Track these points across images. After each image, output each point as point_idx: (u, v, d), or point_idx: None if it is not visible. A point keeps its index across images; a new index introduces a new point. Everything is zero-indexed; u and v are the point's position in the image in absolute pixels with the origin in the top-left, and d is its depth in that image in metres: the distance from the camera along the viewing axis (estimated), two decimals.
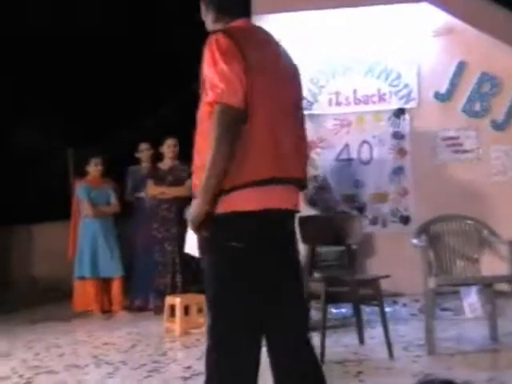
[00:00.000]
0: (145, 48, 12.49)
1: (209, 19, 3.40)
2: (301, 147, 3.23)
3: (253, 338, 3.03)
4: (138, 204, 8.47)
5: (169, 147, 8.08)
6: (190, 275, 7.58)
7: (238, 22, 3.26)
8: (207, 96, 3.05)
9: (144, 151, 8.58)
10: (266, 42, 3.26)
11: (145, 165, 8.58)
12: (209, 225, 3.02)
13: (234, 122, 3.01)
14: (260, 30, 3.34)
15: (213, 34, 3.14)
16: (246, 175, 3.03)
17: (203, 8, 3.42)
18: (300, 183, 3.23)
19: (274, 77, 3.15)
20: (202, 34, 3.44)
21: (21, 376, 5.30)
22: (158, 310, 7.51)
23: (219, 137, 2.97)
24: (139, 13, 12.40)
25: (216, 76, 3.02)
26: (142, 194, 8.33)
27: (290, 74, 3.26)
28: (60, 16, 12.42)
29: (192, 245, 5.87)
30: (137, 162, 8.69)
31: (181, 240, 7.01)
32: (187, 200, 6.71)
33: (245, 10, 3.37)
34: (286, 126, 3.16)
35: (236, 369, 3.00)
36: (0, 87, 11.70)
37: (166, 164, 8.15)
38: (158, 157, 8.36)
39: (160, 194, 7.91)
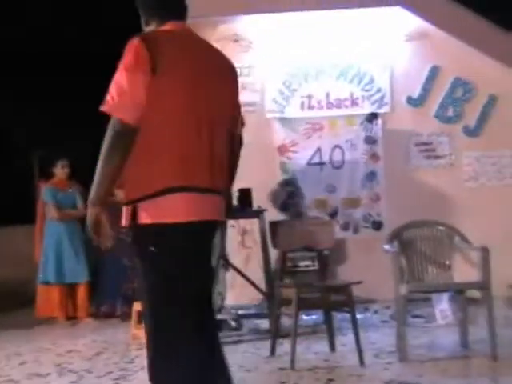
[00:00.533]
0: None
1: (142, 22, 3.43)
2: (223, 157, 3.24)
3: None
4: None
5: None
6: None
7: (167, 25, 3.28)
8: (103, 103, 3.08)
9: None
10: (194, 45, 3.27)
11: None
12: (131, 232, 3.10)
13: (121, 136, 3.04)
14: (189, 33, 3.33)
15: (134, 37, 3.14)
16: (156, 184, 3.05)
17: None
18: (218, 193, 3.22)
19: (198, 81, 3.15)
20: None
21: None
22: (125, 317, 7.45)
23: (107, 148, 3.02)
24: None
25: (115, 86, 3.04)
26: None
27: (222, 79, 3.28)
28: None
29: None
30: None
31: None
32: None
33: (176, 14, 3.35)
34: (208, 134, 3.16)
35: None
36: None
37: None
38: None
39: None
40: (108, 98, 3.02)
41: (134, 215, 3.04)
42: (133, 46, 3.06)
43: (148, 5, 3.37)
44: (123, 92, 3.02)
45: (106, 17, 12.35)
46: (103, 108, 3.02)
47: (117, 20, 11.98)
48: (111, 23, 12.04)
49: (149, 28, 3.35)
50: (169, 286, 3.08)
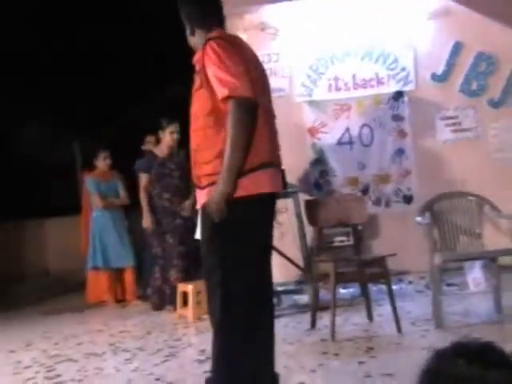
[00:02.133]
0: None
1: (187, 31, 3.64)
2: (277, 137, 3.57)
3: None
4: None
5: (172, 134, 7.51)
6: (189, 268, 7.28)
7: (216, 32, 3.47)
8: (218, 92, 3.21)
9: (150, 144, 8.46)
10: (245, 45, 3.54)
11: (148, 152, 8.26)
12: (229, 206, 3.15)
13: (252, 111, 3.20)
14: (237, 36, 3.67)
15: (208, 40, 3.35)
16: (258, 158, 3.28)
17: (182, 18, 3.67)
18: (280, 168, 3.54)
19: (257, 73, 3.44)
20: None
21: (42, 365, 5.36)
22: (156, 307, 7.51)
23: (242, 125, 3.16)
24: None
25: (226, 74, 3.19)
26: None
27: (264, 72, 3.57)
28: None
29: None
30: (142, 153, 8.42)
31: (185, 230, 6.99)
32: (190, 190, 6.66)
33: (218, 22, 3.60)
34: (272, 116, 3.51)
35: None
36: (9, 85, 11.76)
37: (162, 150, 7.62)
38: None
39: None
40: (225, 85, 3.16)
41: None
42: (218, 44, 3.29)
43: (195, 16, 3.57)
44: (238, 75, 3.19)
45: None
46: (224, 94, 3.15)
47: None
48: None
49: (192, 38, 3.60)
50: (249, 253, 3.30)
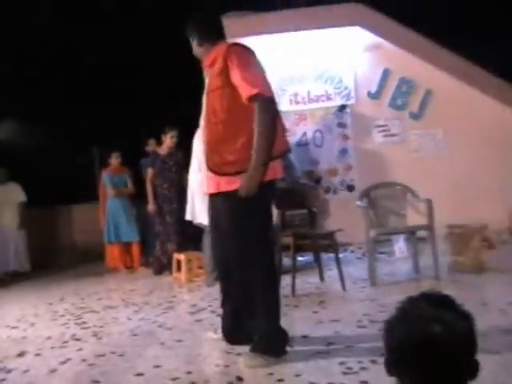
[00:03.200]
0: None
1: (194, 43, 3.47)
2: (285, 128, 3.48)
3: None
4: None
5: (171, 138, 7.42)
6: (183, 242, 7.19)
7: (223, 44, 3.33)
8: (245, 91, 3.04)
9: (151, 145, 8.38)
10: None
11: (152, 152, 8.16)
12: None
13: (276, 108, 3.11)
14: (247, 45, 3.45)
15: (230, 46, 3.21)
16: (276, 150, 3.13)
17: (189, 34, 3.49)
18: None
19: None
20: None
21: (72, 314, 5.37)
22: (156, 271, 7.46)
23: (269, 121, 3.03)
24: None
25: (251, 75, 3.05)
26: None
27: None
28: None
29: (189, 213, 5.98)
30: (146, 153, 8.42)
31: (180, 212, 7.01)
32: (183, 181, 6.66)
33: (221, 35, 3.45)
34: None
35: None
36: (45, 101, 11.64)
37: (164, 149, 7.55)
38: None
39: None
40: (252, 85, 3.00)
41: None
42: (239, 50, 3.17)
43: (204, 31, 3.42)
44: (261, 77, 3.08)
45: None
46: (257, 91, 2.99)
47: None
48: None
49: (199, 48, 3.43)
50: (269, 218, 3.38)
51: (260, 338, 3.30)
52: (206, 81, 3.42)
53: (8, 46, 11.18)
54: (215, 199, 3.40)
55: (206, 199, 3.70)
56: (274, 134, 3.04)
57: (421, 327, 1.26)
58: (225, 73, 3.13)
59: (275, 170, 3.24)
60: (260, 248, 3.26)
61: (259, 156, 3.00)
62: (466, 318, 1.31)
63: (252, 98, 3.02)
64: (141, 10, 12.19)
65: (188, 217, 6.07)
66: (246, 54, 3.17)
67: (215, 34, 3.43)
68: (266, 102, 3.03)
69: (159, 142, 7.85)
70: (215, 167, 3.24)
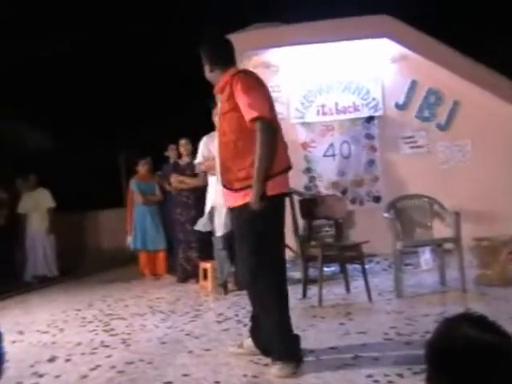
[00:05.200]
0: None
1: (206, 68, 3.65)
2: (287, 145, 3.64)
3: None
4: (169, 194, 8.18)
5: (182, 146, 7.71)
6: (205, 249, 7.15)
7: (233, 69, 3.54)
8: (247, 114, 3.28)
9: (172, 150, 8.36)
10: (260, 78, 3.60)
11: (173, 161, 8.28)
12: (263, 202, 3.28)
13: (274, 129, 3.32)
14: (253, 72, 3.67)
15: (235, 74, 3.44)
16: (278, 166, 3.38)
17: (202, 58, 3.67)
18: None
19: (271, 98, 3.53)
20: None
21: (100, 321, 5.44)
22: (180, 280, 7.46)
23: (268, 141, 3.26)
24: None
25: (252, 100, 3.27)
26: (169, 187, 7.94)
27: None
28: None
29: (200, 223, 6.22)
30: (166, 158, 8.48)
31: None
32: (203, 189, 6.75)
33: (231, 61, 3.62)
34: (281, 130, 3.54)
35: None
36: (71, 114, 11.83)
37: (184, 160, 7.75)
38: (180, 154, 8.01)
39: (180, 182, 7.47)
40: (255, 108, 3.25)
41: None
42: (245, 76, 3.41)
43: (214, 58, 3.61)
44: (264, 102, 3.31)
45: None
46: (257, 114, 3.23)
47: None
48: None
49: (211, 74, 3.63)
50: (278, 231, 3.48)
51: (277, 348, 3.43)
52: (218, 104, 3.68)
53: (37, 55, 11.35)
54: (232, 213, 3.65)
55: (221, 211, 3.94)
56: (272, 153, 3.27)
57: (471, 350, 1.28)
58: (232, 98, 3.37)
59: (281, 185, 3.43)
60: (266, 258, 3.42)
61: (257, 173, 3.25)
62: (508, 337, 1.33)
63: (253, 121, 3.26)
64: (170, 21, 12.33)
65: (197, 227, 6.36)
66: (249, 80, 3.40)
67: (224, 61, 3.61)
68: (265, 124, 3.25)
69: (179, 151, 7.98)
70: (227, 183, 3.50)
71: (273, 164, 3.30)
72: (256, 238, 3.39)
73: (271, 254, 3.44)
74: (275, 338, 3.43)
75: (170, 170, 8.01)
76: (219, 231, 6.17)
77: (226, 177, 3.50)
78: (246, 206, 3.36)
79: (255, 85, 3.40)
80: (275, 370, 3.36)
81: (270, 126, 3.29)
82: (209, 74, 3.66)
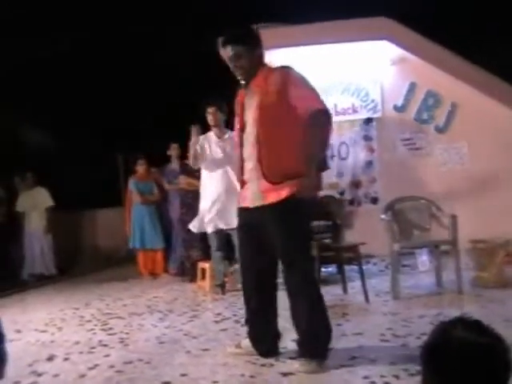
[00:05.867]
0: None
1: (255, 60, 3.51)
2: None
3: None
4: (172, 194, 8.14)
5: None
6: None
7: (267, 65, 3.56)
8: (308, 106, 3.28)
9: (174, 150, 8.24)
10: None
11: (174, 160, 8.19)
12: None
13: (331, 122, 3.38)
14: None
15: (282, 68, 3.45)
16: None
17: (245, 49, 3.50)
18: None
19: None
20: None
21: (98, 320, 5.43)
22: (192, 278, 7.37)
23: (329, 132, 3.33)
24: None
25: (313, 93, 3.32)
26: (174, 186, 7.92)
27: None
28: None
29: (194, 224, 6.23)
30: (168, 158, 8.34)
31: None
32: None
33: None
34: None
35: None
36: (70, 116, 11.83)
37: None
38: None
39: (189, 184, 7.48)
40: (316, 100, 3.29)
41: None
42: (295, 71, 3.42)
43: (261, 52, 3.59)
44: (319, 94, 3.35)
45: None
46: (322, 108, 3.28)
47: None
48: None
49: (252, 68, 3.55)
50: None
51: (305, 343, 3.46)
52: (246, 100, 3.51)
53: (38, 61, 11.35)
54: (258, 211, 3.46)
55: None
56: (328, 146, 3.46)
57: (465, 352, 1.31)
58: (283, 90, 3.31)
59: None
60: (311, 255, 3.62)
61: (313, 161, 3.27)
62: (501, 340, 1.36)
63: (317, 112, 3.26)
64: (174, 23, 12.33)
65: (191, 227, 6.39)
66: (299, 73, 3.42)
67: (263, 57, 3.61)
68: (329, 115, 3.33)
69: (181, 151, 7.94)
70: (272, 177, 3.36)
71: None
72: (305, 234, 3.47)
73: (309, 247, 3.59)
74: (319, 331, 3.43)
75: (176, 171, 7.94)
76: (209, 227, 6.19)
77: (272, 171, 3.36)
78: (291, 198, 3.30)
79: (307, 80, 3.42)
80: (304, 365, 3.38)
81: (331, 122, 3.34)
82: (249, 69, 3.49)
